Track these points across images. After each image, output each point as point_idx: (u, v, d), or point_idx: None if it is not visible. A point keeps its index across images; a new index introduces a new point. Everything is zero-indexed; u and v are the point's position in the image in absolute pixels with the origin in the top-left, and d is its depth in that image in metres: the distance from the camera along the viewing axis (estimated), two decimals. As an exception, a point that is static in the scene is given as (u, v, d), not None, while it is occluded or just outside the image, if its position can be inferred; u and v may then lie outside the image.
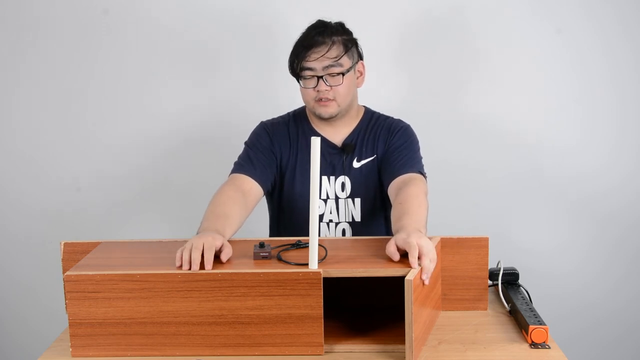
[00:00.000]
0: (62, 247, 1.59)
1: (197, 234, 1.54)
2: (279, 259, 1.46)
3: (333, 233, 1.89)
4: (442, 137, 2.41)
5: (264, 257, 1.46)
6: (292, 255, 1.49)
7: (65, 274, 1.38)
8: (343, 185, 1.88)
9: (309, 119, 1.91)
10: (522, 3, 2.37)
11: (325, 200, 1.88)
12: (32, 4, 2.39)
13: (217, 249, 1.45)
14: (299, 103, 1.94)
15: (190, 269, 1.39)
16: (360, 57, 1.87)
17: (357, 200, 1.88)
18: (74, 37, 2.41)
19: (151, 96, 2.46)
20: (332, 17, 1.84)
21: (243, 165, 1.84)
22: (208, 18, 2.40)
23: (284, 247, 1.53)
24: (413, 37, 2.41)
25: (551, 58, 2.40)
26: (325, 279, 1.37)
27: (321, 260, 1.43)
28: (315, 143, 1.34)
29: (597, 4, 2.36)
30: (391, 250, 1.42)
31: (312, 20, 1.83)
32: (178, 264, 1.41)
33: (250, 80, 2.44)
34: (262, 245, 1.49)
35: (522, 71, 2.41)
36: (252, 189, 1.79)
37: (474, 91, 2.44)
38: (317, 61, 1.77)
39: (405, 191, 1.67)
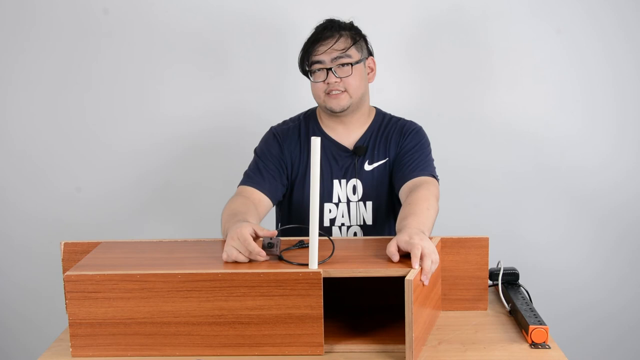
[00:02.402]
0: (62, 247, 1.59)
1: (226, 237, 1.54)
2: (280, 259, 1.46)
3: (345, 236, 1.88)
4: (442, 137, 2.40)
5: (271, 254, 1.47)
6: (293, 255, 1.49)
7: (65, 274, 1.38)
8: (354, 188, 1.87)
9: (320, 120, 1.91)
10: (522, 3, 2.37)
11: (337, 204, 1.87)
12: (32, 4, 2.39)
13: (252, 234, 1.46)
14: (306, 105, 1.94)
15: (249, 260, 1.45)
16: (371, 53, 1.87)
17: (369, 204, 1.88)
18: (73, 37, 2.41)
19: (153, 97, 2.46)
20: (342, 18, 1.85)
21: (252, 177, 1.83)
22: (211, 18, 2.39)
23: (286, 247, 1.53)
24: (414, 38, 2.41)
25: (551, 58, 2.40)
26: (325, 279, 1.37)
27: (329, 257, 1.44)
28: (315, 143, 1.34)
29: (597, 4, 2.36)
30: (391, 250, 1.42)
31: (321, 20, 1.84)
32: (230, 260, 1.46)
33: (256, 83, 2.44)
34: (270, 245, 1.48)
35: (522, 71, 2.41)
36: (261, 200, 1.79)
37: (474, 91, 2.44)
38: (325, 54, 1.77)
39: (415, 193, 1.67)
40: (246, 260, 1.45)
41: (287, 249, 1.52)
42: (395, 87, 2.42)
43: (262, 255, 1.44)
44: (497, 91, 2.43)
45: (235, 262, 1.45)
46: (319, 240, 1.39)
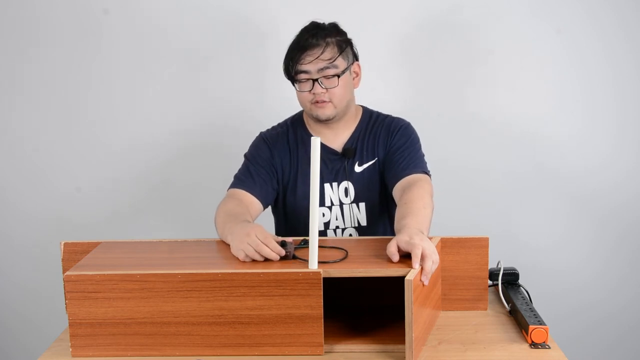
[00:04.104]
0: (62, 247, 1.59)
1: (230, 235, 1.53)
2: (294, 258, 1.46)
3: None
4: (442, 137, 2.41)
5: (283, 258, 1.46)
6: (304, 254, 1.48)
7: (65, 274, 1.38)
8: (346, 190, 1.87)
9: (307, 125, 1.90)
10: (522, 3, 2.37)
11: (330, 207, 1.87)
12: (32, 5, 2.39)
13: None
14: (298, 105, 1.94)
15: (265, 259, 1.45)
16: (356, 57, 1.85)
17: (362, 205, 1.87)
18: (73, 37, 2.40)
19: (153, 97, 2.46)
20: (330, 18, 1.83)
21: (243, 181, 1.83)
22: (212, 19, 2.39)
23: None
24: (413, 37, 2.41)
25: (551, 58, 2.40)
26: (325, 279, 1.37)
27: (341, 259, 1.44)
28: (315, 143, 1.34)
29: (597, 4, 2.36)
30: (392, 250, 1.42)
31: (309, 21, 1.83)
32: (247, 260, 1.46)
33: (256, 83, 2.43)
34: (283, 244, 1.48)
35: (521, 71, 2.41)
36: (252, 203, 1.79)
37: (474, 91, 2.43)
38: (311, 64, 1.75)
39: (410, 192, 1.67)
40: (262, 259, 1.45)
41: (296, 248, 1.52)
42: (395, 87, 2.42)
43: (281, 254, 1.45)
44: (497, 91, 2.43)
45: (236, 262, 1.45)
46: (328, 243, 1.39)
